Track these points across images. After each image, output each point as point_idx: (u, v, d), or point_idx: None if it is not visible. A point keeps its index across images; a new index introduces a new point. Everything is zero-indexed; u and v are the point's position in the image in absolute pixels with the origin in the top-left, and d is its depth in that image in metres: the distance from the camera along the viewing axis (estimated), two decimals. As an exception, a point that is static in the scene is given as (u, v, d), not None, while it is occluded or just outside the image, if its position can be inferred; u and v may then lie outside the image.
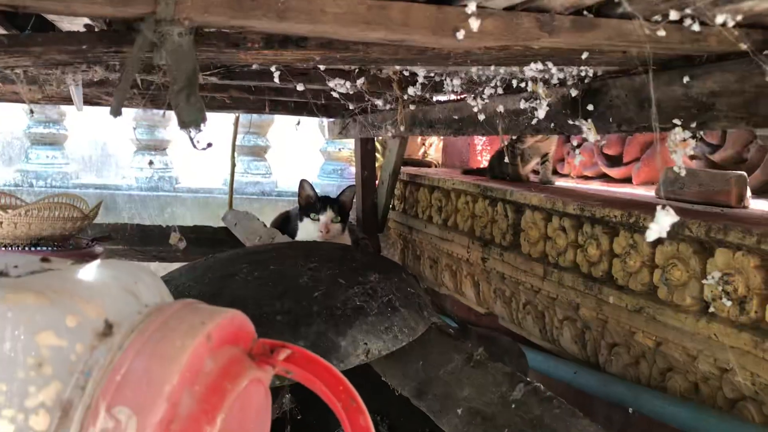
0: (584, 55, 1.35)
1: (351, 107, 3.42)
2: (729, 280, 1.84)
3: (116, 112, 1.19)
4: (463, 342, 1.62)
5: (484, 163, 4.11)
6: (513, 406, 1.31)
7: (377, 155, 4.38)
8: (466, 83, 2.15)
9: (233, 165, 4.40)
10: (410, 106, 3.10)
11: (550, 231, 2.64)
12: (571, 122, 1.80)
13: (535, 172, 3.45)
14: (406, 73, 2.04)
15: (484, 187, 3.16)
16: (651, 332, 2.16)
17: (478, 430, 1.33)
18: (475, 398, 1.41)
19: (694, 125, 1.40)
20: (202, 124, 1.15)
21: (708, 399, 2.06)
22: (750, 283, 1.79)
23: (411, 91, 2.16)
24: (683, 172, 1.42)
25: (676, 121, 1.43)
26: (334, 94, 3.13)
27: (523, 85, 2.13)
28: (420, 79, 1.95)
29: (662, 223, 0.93)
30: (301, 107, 3.99)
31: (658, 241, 2.12)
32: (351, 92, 2.11)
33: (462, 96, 2.31)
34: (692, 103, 1.41)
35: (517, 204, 2.89)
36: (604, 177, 3.32)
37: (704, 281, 1.91)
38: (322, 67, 1.94)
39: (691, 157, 2.64)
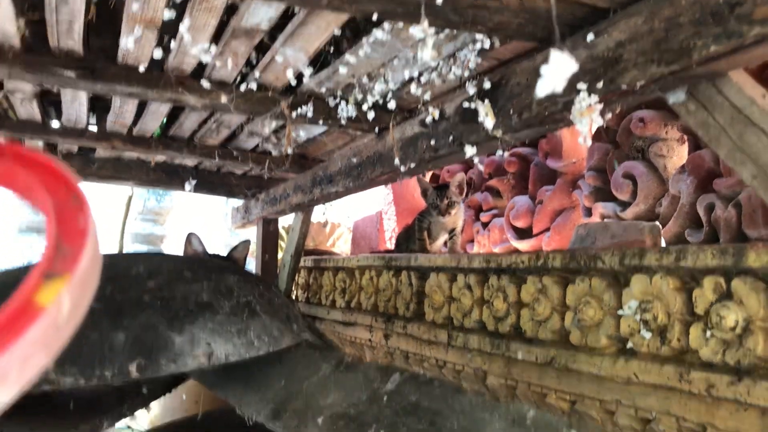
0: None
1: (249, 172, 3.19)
2: (647, 307, 1.61)
3: None
4: (334, 351, 1.31)
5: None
6: (385, 398, 1.00)
7: (281, 243, 4.12)
8: (357, 106, 1.98)
9: (121, 249, 4.04)
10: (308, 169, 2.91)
11: (455, 291, 2.39)
12: (471, 125, 1.62)
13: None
14: (294, 82, 1.84)
15: (388, 258, 2.92)
16: (564, 390, 1.88)
17: (339, 435, 1.01)
18: (340, 402, 1.09)
19: (600, 85, 1.23)
20: None
21: (630, 464, 1.77)
22: (670, 308, 1.57)
23: (301, 111, 1.95)
24: (589, 142, 1.22)
25: (581, 86, 1.26)
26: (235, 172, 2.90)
27: (417, 106, 1.97)
28: (308, 82, 1.75)
29: (560, 66, 0.71)
30: (203, 183, 3.74)
31: (568, 281, 1.90)
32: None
33: (358, 128, 2.12)
34: (598, 63, 1.24)
35: (421, 269, 2.64)
36: (515, 253, 3.15)
37: (620, 312, 1.68)
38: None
39: (602, 217, 2.50)
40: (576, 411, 1.85)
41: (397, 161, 1.99)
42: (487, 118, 1.43)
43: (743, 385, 1.37)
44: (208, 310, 1.26)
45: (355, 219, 4.36)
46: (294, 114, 1.94)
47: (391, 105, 1.84)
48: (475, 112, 1.55)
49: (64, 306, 0.40)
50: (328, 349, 1.37)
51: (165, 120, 2.81)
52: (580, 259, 1.83)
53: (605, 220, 2.49)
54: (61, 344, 0.40)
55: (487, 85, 1.49)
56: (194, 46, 1.54)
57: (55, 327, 0.40)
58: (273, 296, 1.46)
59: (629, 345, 1.66)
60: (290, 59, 1.68)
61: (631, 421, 1.67)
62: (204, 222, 4.85)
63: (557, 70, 0.73)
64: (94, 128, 2.85)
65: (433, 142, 1.82)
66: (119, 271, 1.34)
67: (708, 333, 1.47)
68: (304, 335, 1.42)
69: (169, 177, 3.66)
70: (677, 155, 2.36)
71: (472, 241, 3.52)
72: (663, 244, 2.13)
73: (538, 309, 1.96)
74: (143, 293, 1.24)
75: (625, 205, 2.43)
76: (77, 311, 0.42)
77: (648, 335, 1.60)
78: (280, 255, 3.99)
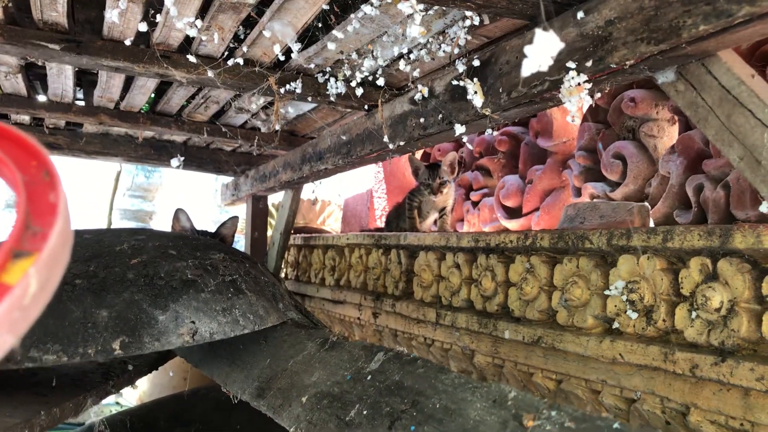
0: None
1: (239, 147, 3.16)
2: (634, 288, 1.62)
3: None
4: (319, 329, 1.30)
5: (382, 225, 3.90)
6: (369, 377, 1.00)
7: (270, 220, 4.10)
8: (346, 82, 1.95)
9: (109, 225, 4.01)
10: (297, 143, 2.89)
11: (443, 270, 2.39)
12: (460, 103, 1.61)
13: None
14: (282, 57, 1.82)
15: (378, 237, 2.91)
16: (550, 369, 1.89)
17: (323, 414, 1.01)
18: (324, 381, 1.09)
19: (589, 64, 1.22)
20: None
21: (615, 443, 1.78)
22: (657, 288, 1.57)
23: (289, 87, 1.93)
24: (578, 121, 1.21)
25: (570, 65, 1.24)
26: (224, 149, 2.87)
27: (407, 83, 1.95)
28: (296, 58, 1.73)
29: (545, 45, 0.70)
30: (192, 159, 3.71)
31: (556, 261, 1.90)
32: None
33: (347, 105, 2.10)
34: (588, 41, 1.23)
35: (410, 248, 2.64)
36: (503, 232, 3.14)
37: (607, 292, 1.68)
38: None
39: (591, 197, 2.50)
40: (562, 390, 1.86)
41: (386, 139, 1.97)
42: (476, 96, 1.42)
43: (726, 365, 1.38)
44: (192, 287, 1.25)
45: (345, 197, 4.35)
46: (282, 90, 1.92)
47: (380, 82, 1.83)
48: (465, 90, 1.54)
49: (31, 286, 0.39)
50: (313, 328, 1.36)
51: (153, 95, 2.78)
52: (568, 239, 1.83)
53: (594, 200, 2.49)
54: (28, 324, 0.39)
55: (476, 62, 1.48)
56: (180, 19, 1.51)
57: (22, 307, 0.39)
58: (259, 274, 1.45)
59: (615, 325, 1.67)
60: (278, 34, 1.65)
61: (616, 401, 1.68)
62: (193, 198, 4.83)
63: (543, 49, 0.72)
64: (81, 103, 2.82)
65: (422, 120, 1.81)
66: (103, 247, 1.33)
67: (693, 314, 1.48)
68: (289, 314, 1.42)
69: (157, 153, 3.63)
70: (668, 135, 2.35)
71: (462, 220, 3.51)
72: (652, 224, 2.13)
73: (525, 288, 1.97)
74: (127, 270, 1.23)
75: (614, 186, 2.43)
76: (45, 291, 0.41)
77: (634, 315, 1.61)
78: (269, 232, 3.98)
